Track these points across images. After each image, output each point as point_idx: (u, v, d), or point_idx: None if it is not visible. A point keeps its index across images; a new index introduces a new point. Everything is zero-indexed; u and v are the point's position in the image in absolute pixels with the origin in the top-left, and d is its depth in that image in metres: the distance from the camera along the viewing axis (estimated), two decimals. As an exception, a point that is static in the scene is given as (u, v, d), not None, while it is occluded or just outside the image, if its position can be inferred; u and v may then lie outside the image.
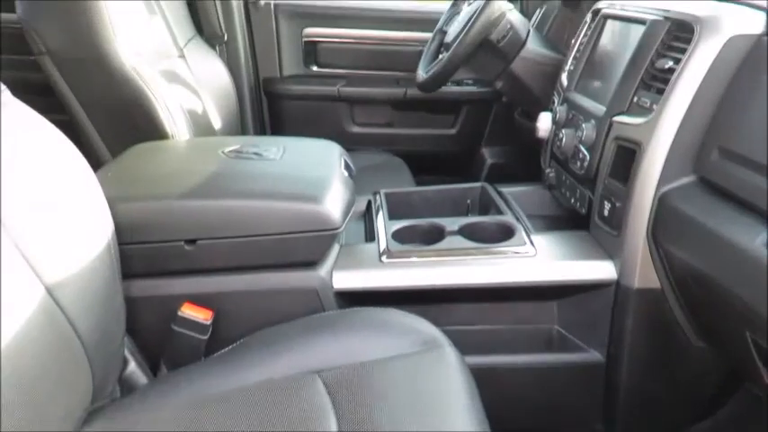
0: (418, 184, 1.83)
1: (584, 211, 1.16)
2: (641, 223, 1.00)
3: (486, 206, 1.38)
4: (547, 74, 1.52)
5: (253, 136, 2.09)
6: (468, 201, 1.42)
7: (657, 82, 1.01)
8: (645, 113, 1.01)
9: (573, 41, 1.59)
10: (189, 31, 1.82)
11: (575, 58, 1.35)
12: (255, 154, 1.16)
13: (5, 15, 1.64)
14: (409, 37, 2.15)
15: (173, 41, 1.65)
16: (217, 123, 1.73)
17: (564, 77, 1.36)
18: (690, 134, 0.95)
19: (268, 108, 2.22)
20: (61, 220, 0.79)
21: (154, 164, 1.18)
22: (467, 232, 1.17)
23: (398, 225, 1.21)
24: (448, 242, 1.14)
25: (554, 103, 1.37)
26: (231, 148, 1.18)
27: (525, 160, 1.90)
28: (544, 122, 1.32)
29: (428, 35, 1.82)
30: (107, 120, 1.38)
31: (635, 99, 1.05)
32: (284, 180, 1.08)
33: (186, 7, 1.86)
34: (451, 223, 1.19)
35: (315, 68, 2.21)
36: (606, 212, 1.07)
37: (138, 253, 0.99)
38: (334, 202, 1.02)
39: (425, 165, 2.10)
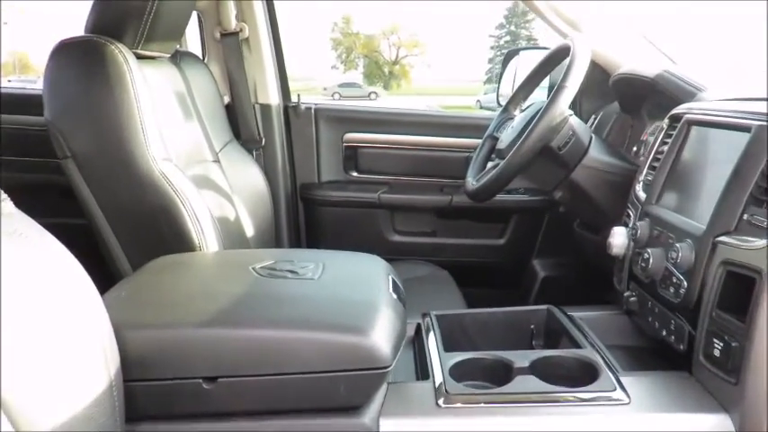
0: (465, 297, 1.66)
1: (682, 347, 0.96)
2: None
3: (554, 333, 1.18)
4: (613, 184, 1.37)
5: (288, 249, 1.96)
6: (532, 326, 1.23)
7: (774, 197, 0.85)
8: (761, 234, 0.83)
9: (635, 149, 1.46)
10: (225, 135, 1.74)
11: (651, 167, 1.20)
12: (290, 272, 1.01)
13: (33, 118, 1.58)
14: (455, 143, 2.05)
15: (208, 146, 1.56)
16: (250, 232, 1.61)
17: (639, 189, 1.21)
18: None
19: (305, 215, 2.11)
20: (51, 357, 0.65)
21: (174, 282, 1.03)
22: (540, 370, 0.97)
23: (456, 359, 1.02)
24: (518, 383, 0.94)
25: (629, 216, 1.21)
26: (263, 265, 1.03)
27: (583, 275, 1.72)
28: (619, 238, 1.16)
29: (474, 141, 1.72)
30: (130, 228, 1.26)
31: (744, 216, 0.88)
32: (324, 305, 0.92)
33: (224, 111, 1.79)
34: (520, 358, 1.00)
35: (355, 174, 2.11)
36: (717, 353, 0.87)
37: (147, 392, 0.83)
38: (383, 335, 0.85)
39: (472, 277, 1.92)
